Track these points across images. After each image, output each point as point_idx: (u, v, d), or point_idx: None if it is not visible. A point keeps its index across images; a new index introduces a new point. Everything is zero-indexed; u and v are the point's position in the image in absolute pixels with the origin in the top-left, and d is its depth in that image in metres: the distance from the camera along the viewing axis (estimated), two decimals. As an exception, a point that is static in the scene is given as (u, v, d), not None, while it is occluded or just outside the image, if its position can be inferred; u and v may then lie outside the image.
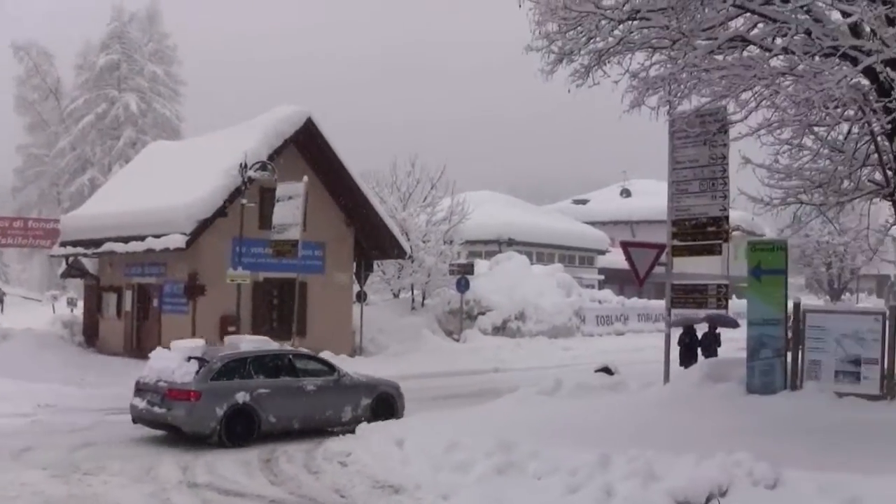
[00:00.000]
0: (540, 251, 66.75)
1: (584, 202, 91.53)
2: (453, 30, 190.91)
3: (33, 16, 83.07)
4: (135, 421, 18.98)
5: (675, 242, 19.92)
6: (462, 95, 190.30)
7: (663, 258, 20.42)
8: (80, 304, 48.70)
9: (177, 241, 31.91)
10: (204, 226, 32.39)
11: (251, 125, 36.50)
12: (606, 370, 25.57)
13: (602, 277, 71.25)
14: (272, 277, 34.83)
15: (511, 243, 63.41)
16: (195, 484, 13.98)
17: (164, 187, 35.33)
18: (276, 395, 18.81)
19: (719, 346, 26.98)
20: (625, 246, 21.30)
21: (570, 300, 53.17)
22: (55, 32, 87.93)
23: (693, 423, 15.62)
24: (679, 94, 16.77)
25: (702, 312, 24.58)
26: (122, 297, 38.04)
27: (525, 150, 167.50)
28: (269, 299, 35.57)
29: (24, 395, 23.90)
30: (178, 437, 17.75)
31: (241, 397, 18.22)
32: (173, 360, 19.01)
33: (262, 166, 32.48)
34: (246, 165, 32.07)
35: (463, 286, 44.51)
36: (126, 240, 34.52)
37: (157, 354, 20.55)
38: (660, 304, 53.19)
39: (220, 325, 33.32)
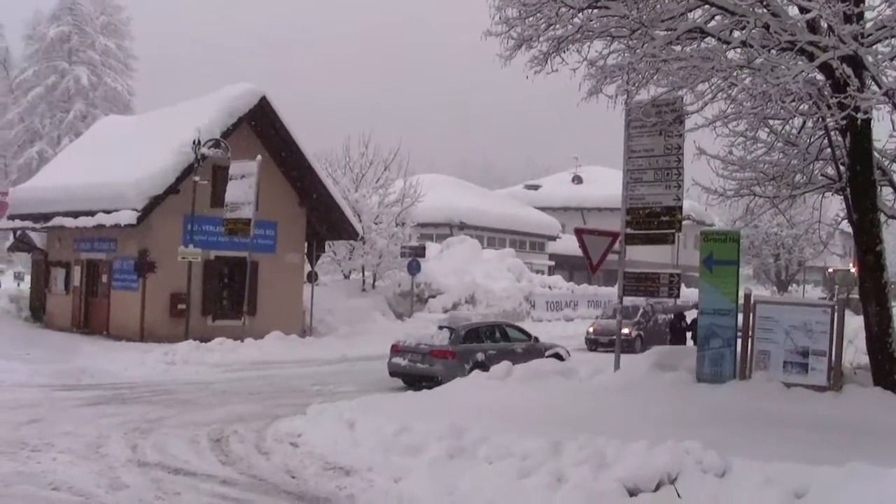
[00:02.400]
0: (491, 235, 66.94)
1: (535, 188, 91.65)
2: (409, 11, 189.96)
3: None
4: (393, 375, 24.78)
5: (629, 231, 20.00)
6: (413, 78, 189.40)
7: (616, 246, 20.51)
8: (28, 278, 48.25)
9: (128, 217, 31.67)
10: (155, 202, 32.15)
11: (204, 102, 36.23)
12: (557, 356, 25.76)
13: (552, 263, 71.58)
14: (223, 256, 34.70)
15: (463, 227, 63.53)
16: (145, 463, 13.84)
17: (115, 162, 34.97)
18: (499, 354, 24.14)
19: None
20: (579, 233, 21.33)
21: (521, 285, 53.44)
22: (3, 1, 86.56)
23: (643, 410, 15.72)
24: (636, 84, 16.76)
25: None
26: (70, 272, 37.68)
27: (476, 135, 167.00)
28: (220, 277, 35.38)
29: (-33, 369, 23.64)
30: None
31: (479, 356, 24.17)
32: (429, 329, 26.74)
33: (216, 144, 32.37)
34: (199, 142, 31.94)
35: (414, 268, 44.58)
36: (76, 214, 34.21)
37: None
38: (610, 291, 53.89)
39: (171, 302, 33.21)
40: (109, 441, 15.38)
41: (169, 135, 34.00)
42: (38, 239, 40.88)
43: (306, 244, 39.03)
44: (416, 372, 24.26)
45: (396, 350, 25.12)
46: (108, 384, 23.28)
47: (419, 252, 45.68)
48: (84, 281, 36.92)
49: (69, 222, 34.67)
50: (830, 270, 78.91)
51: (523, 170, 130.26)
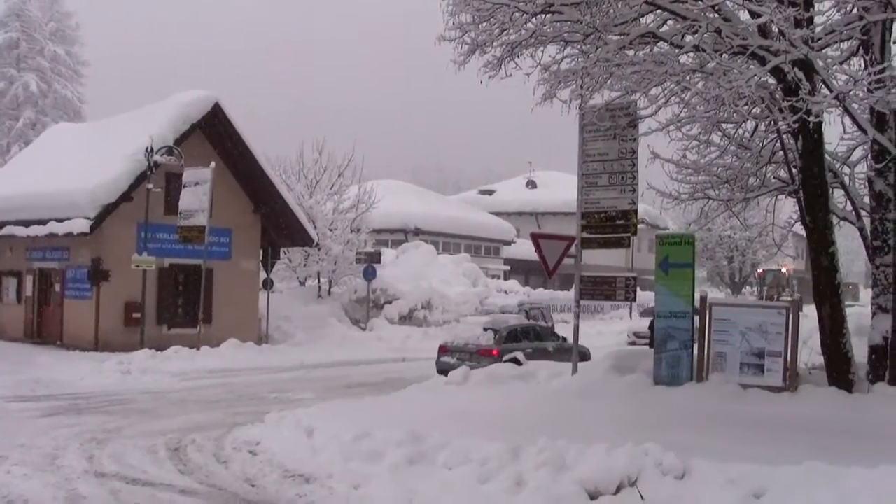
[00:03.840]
0: (446, 241, 67.06)
1: (490, 192, 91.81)
2: (355, 12, 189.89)
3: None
4: (441, 373, 25.00)
5: (585, 235, 20.06)
6: (359, 80, 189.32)
7: (572, 250, 20.57)
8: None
9: (80, 225, 31.44)
10: (108, 210, 31.93)
11: (157, 109, 36.05)
12: (515, 360, 25.83)
13: (508, 268, 71.68)
14: (178, 263, 34.54)
15: (418, 233, 63.59)
16: (102, 473, 13.73)
17: (67, 170, 34.76)
18: (535, 353, 26.41)
19: None
20: (535, 237, 21.34)
21: (477, 290, 53.52)
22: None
23: (601, 413, 15.78)
24: (590, 88, 16.81)
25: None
26: (22, 281, 37.38)
27: (431, 140, 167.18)
28: (175, 285, 35.19)
29: (-83, 382, 23.37)
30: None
31: (519, 354, 25.26)
32: (474, 331, 28.42)
33: (169, 151, 32.26)
34: (152, 150, 31.79)
35: (370, 274, 44.48)
36: (27, 223, 33.94)
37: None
38: (566, 295, 54.11)
39: (125, 310, 33.01)
40: (66, 452, 15.23)
41: (121, 142, 33.79)
42: (-12, 248, 40.47)
43: (261, 251, 38.81)
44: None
45: (444, 350, 27.62)
46: (64, 394, 23.05)
47: (375, 258, 45.57)
48: (36, 290, 36.63)
49: (20, 231, 34.38)
50: (760, 271, 79.43)
51: (478, 175, 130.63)
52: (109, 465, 14.34)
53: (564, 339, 28.51)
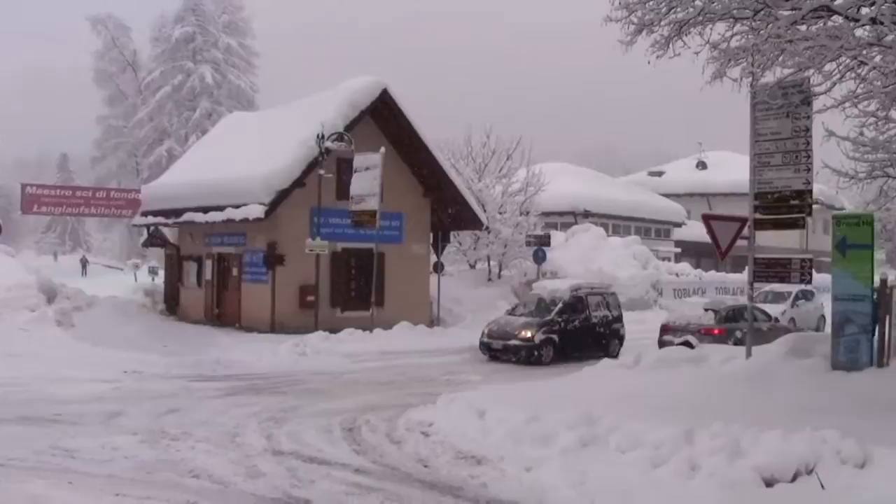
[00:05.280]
0: (616, 223, 66.42)
1: (659, 174, 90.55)
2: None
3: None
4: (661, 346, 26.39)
5: (757, 216, 19.61)
6: (526, 63, 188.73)
7: (745, 231, 20.14)
8: (161, 272, 49.41)
9: (256, 211, 32.18)
10: (282, 196, 32.60)
11: (327, 96, 36.59)
12: (687, 343, 25.50)
13: (679, 250, 70.73)
14: (350, 248, 35.02)
15: (587, 215, 63.15)
16: (279, 451, 14.07)
17: (241, 158, 35.66)
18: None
19: None
20: (706, 219, 20.98)
21: (647, 272, 52.92)
22: (130, 4, 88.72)
23: (777, 398, 15.41)
24: (761, 66, 16.42)
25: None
26: (202, 266, 38.56)
27: (598, 121, 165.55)
28: (348, 269, 35.66)
29: (109, 361, 24.32)
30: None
31: (738, 333, 26.55)
32: (696, 310, 29.92)
33: (339, 137, 32.72)
34: (323, 136, 32.30)
35: (540, 257, 44.39)
36: (206, 210, 34.88)
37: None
38: (738, 278, 53.03)
39: (300, 293, 33.69)
40: (245, 430, 15.69)
41: (293, 129, 34.48)
42: (170, 234, 41.84)
43: (431, 235, 39.17)
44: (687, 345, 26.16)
45: (668, 329, 28.82)
46: (242, 374, 23.78)
47: (544, 241, 45.44)
48: (215, 274, 37.70)
49: (199, 217, 35.36)
50: None
51: (646, 156, 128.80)
52: (286, 443, 14.69)
53: (776, 320, 30.52)
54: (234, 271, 36.39)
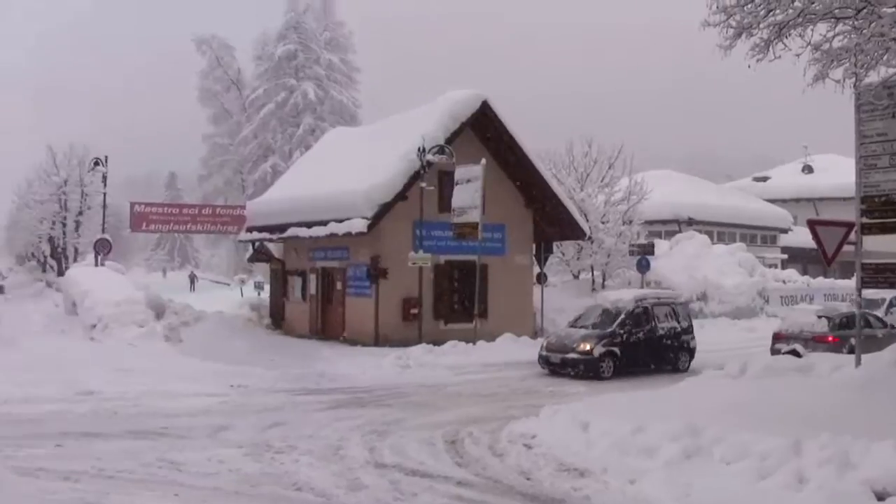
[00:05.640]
0: (720, 230, 65.65)
1: (764, 179, 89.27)
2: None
3: (213, 9, 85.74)
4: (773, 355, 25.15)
5: (865, 220, 19.16)
6: (623, 68, 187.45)
7: (852, 237, 19.69)
8: (267, 287, 50.01)
9: (358, 225, 32.43)
10: (385, 210, 32.82)
11: (428, 109, 36.79)
12: (794, 352, 24.99)
13: (785, 257, 69.63)
14: (453, 260, 35.10)
15: (691, 223, 62.55)
16: (382, 464, 14.11)
17: (344, 172, 35.99)
18: (866, 339, 22.28)
19: None
20: (811, 224, 20.58)
21: (753, 280, 52.15)
22: (233, 25, 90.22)
23: (888, 408, 14.98)
24: (865, 66, 16.08)
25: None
26: (306, 280, 38.95)
27: (701, 127, 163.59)
28: (450, 281, 35.73)
29: (215, 376, 24.66)
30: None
31: (852, 340, 23.83)
32: (809, 318, 28.95)
33: (440, 150, 32.83)
34: (424, 149, 32.44)
35: (644, 266, 43.98)
36: (309, 224, 35.27)
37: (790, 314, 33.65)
38: (847, 284, 52.00)
39: (403, 306, 33.83)
40: (348, 443, 15.77)
41: (394, 143, 34.72)
42: (275, 249, 42.44)
43: (534, 245, 39.06)
44: (798, 353, 25.12)
45: (780, 337, 28.36)
46: (346, 388, 23.93)
47: (648, 250, 45.05)
48: (319, 288, 38.05)
49: (303, 232, 35.78)
50: None
51: (750, 162, 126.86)
52: (389, 456, 14.72)
53: (892, 327, 29.45)
54: (338, 285, 36.69)
